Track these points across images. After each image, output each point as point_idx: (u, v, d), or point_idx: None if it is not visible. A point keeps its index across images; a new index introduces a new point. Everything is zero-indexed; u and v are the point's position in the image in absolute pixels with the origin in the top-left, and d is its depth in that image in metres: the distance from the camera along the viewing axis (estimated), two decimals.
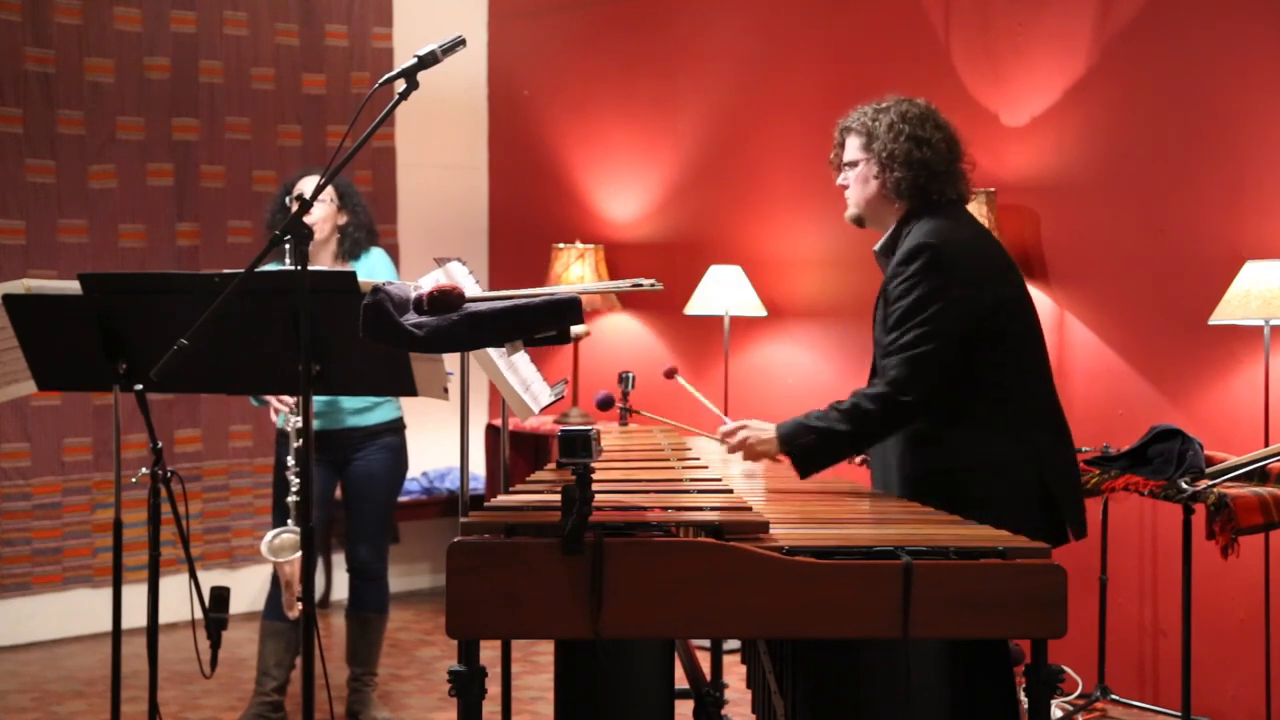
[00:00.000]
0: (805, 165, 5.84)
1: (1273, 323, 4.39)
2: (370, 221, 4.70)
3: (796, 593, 2.30)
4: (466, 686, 2.41)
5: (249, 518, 6.41)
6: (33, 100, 5.91)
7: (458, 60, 2.93)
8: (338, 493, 4.78)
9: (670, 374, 3.85)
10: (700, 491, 2.87)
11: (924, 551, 2.33)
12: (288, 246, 2.93)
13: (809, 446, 3.09)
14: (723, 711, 3.50)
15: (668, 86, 6.48)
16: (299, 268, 2.78)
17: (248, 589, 6.17)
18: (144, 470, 3.28)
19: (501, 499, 2.73)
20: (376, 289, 2.61)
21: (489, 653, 2.80)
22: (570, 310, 2.57)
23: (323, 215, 4.53)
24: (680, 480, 3.06)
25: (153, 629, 3.30)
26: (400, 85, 2.74)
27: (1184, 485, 4.05)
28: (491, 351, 3.26)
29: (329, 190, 4.55)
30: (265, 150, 6.48)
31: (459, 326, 2.55)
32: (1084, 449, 4.54)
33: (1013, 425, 3.15)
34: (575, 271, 6.43)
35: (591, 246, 6.50)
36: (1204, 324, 4.59)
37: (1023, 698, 2.52)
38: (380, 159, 6.80)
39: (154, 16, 6.17)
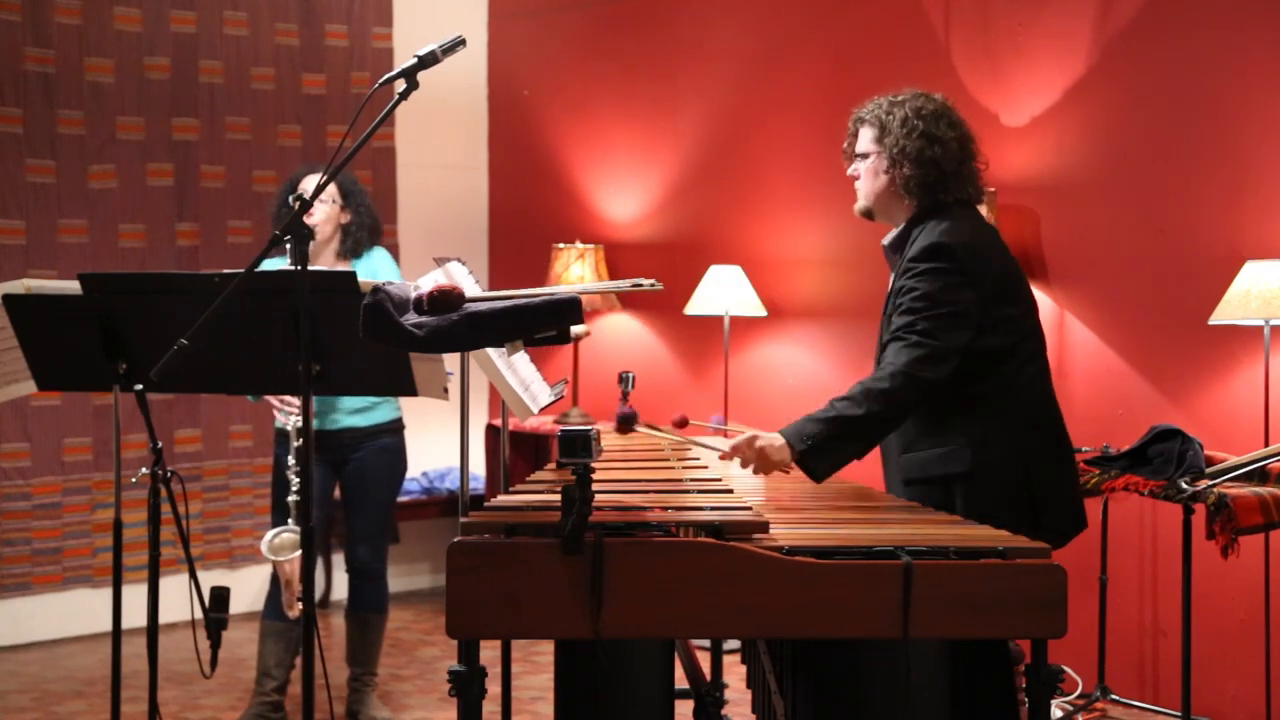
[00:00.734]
0: (805, 165, 5.85)
1: (1273, 323, 4.39)
2: (374, 221, 4.71)
3: (796, 593, 2.30)
4: (466, 686, 2.41)
5: (249, 518, 6.40)
6: (33, 100, 5.91)
7: (458, 60, 2.93)
8: (337, 493, 4.78)
9: (682, 424, 3.71)
10: (700, 491, 2.87)
11: (924, 551, 2.33)
12: (288, 245, 2.92)
13: (824, 440, 2.95)
14: (723, 711, 3.50)
15: (668, 86, 6.48)
16: (299, 268, 2.78)
17: (248, 589, 6.17)
18: (144, 470, 3.27)
19: (501, 499, 2.73)
20: (376, 289, 2.61)
21: (489, 653, 2.80)
22: (570, 310, 2.57)
23: (325, 215, 4.54)
24: (680, 480, 3.06)
25: (153, 629, 3.30)
26: (400, 85, 2.74)
27: (1184, 485, 4.05)
28: (491, 351, 3.26)
29: (332, 190, 4.56)
30: (265, 150, 6.48)
31: (459, 326, 2.55)
32: (1084, 449, 4.55)
33: (1006, 433, 3.14)
34: (575, 271, 6.42)
35: (591, 246, 6.50)
36: (1204, 324, 4.59)
37: (1023, 698, 2.52)
38: (380, 159, 6.80)
39: (154, 16, 6.17)
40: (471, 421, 3.50)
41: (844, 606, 2.30)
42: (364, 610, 4.74)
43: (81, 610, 6.00)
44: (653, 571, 2.30)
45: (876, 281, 3.31)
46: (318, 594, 6.32)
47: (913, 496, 3.14)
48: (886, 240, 3.34)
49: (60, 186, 5.99)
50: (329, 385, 3.47)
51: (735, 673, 4.41)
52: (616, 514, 2.47)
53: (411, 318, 2.58)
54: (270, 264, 3.99)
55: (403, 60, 2.77)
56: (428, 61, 2.75)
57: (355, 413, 4.60)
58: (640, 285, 2.72)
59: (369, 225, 4.66)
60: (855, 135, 3.38)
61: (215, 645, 3.24)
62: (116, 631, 3.41)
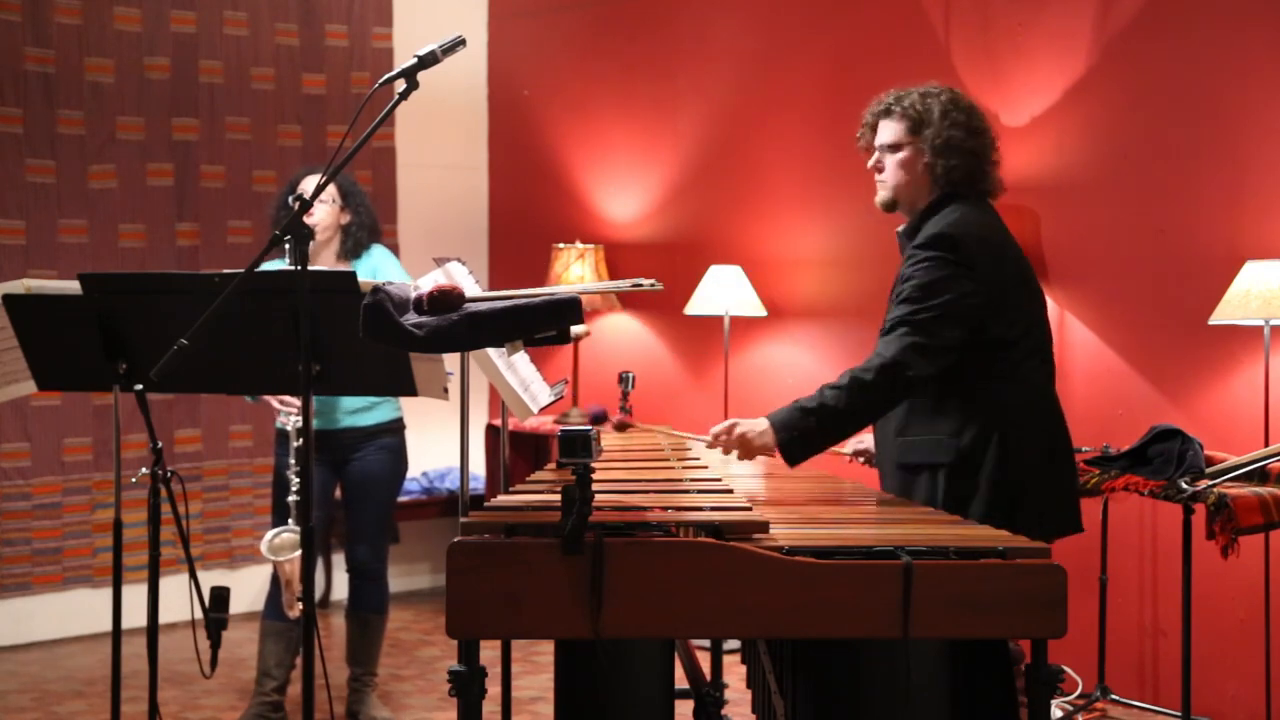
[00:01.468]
0: (805, 165, 5.84)
1: (1273, 323, 4.39)
2: (373, 221, 4.71)
3: (796, 593, 2.30)
4: (466, 686, 2.41)
5: (249, 518, 6.40)
6: (33, 100, 5.91)
7: (458, 60, 2.93)
8: (337, 493, 4.78)
9: (621, 427, 3.73)
10: (700, 491, 2.87)
11: (924, 551, 2.33)
12: (288, 246, 2.92)
13: (807, 429, 3.01)
14: (723, 711, 3.50)
15: (668, 87, 6.48)
16: (299, 268, 2.78)
17: (248, 589, 6.17)
18: (144, 470, 3.27)
19: (501, 499, 2.73)
20: (376, 289, 2.61)
21: (489, 653, 2.80)
22: (570, 310, 2.57)
23: (325, 215, 4.54)
24: (680, 480, 3.06)
25: (153, 629, 3.30)
26: (400, 85, 2.74)
27: (1184, 485, 4.05)
28: (491, 351, 3.26)
29: (332, 190, 4.56)
30: (265, 150, 6.48)
31: (459, 326, 2.55)
32: (1084, 449, 4.55)
33: (994, 426, 3.15)
34: (575, 271, 6.42)
35: (591, 246, 6.50)
36: (1204, 324, 4.59)
37: (1023, 698, 2.52)
38: (380, 159, 6.80)
39: (154, 16, 6.17)
40: (471, 421, 3.50)
41: (844, 606, 2.30)
42: (364, 610, 4.75)
43: (81, 610, 6.00)
44: (653, 571, 2.30)
45: (876, 281, 3.32)
46: (318, 594, 6.32)
47: (903, 480, 3.17)
48: (902, 229, 3.34)
49: (60, 186, 5.99)
50: (329, 385, 3.47)
51: (735, 673, 4.41)
52: (616, 514, 2.47)
53: (411, 318, 2.57)
54: (270, 265, 3.99)
55: (403, 60, 2.77)
56: (428, 61, 2.75)
57: (355, 413, 4.60)
58: (640, 285, 2.72)
59: (369, 225, 4.67)
60: (873, 128, 3.36)
61: (215, 645, 3.24)
62: (116, 631, 3.41)
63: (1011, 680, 2.97)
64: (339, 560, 6.40)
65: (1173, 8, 4.86)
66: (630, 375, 3.98)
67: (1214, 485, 3.99)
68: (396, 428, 4.72)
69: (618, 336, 6.65)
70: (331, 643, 5.78)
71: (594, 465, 2.29)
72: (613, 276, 6.53)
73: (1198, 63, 4.79)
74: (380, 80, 2.81)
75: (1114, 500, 4.69)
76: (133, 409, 3.27)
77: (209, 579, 4.37)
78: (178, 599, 3.56)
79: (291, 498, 4.28)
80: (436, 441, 6.33)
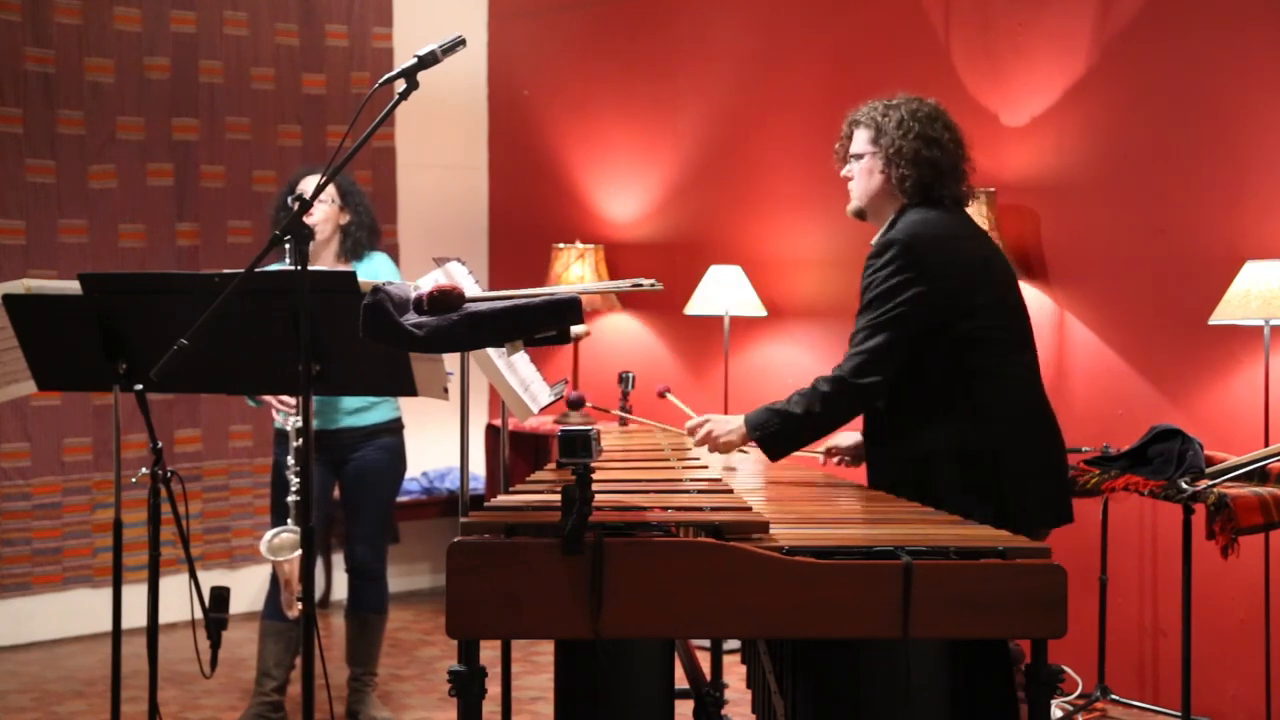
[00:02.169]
0: (805, 165, 5.84)
1: (1273, 323, 4.39)
2: (373, 221, 4.71)
3: (796, 593, 2.29)
4: (466, 686, 2.41)
5: (249, 518, 6.40)
6: (33, 100, 5.91)
7: (458, 60, 2.93)
8: (336, 493, 4.78)
9: (663, 393, 3.92)
10: (700, 491, 2.87)
11: (924, 551, 2.33)
12: (288, 246, 2.92)
13: (773, 431, 3.21)
14: (723, 711, 3.50)
15: (668, 86, 6.48)
16: (299, 268, 2.78)
17: (248, 589, 6.17)
18: (144, 470, 3.27)
19: (501, 499, 2.73)
20: (376, 289, 2.61)
21: (489, 653, 2.80)
22: (570, 310, 2.56)
23: (324, 215, 4.54)
24: (680, 480, 3.06)
25: (153, 629, 3.30)
26: (400, 85, 2.74)
27: (1184, 485, 4.05)
28: (491, 351, 3.26)
29: (331, 190, 4.56)
30: (265, 150, 6.48)
31: (459, 326, 2.55)
32: (1084, 449, 4.55)
33: (974, 420, 3.20)
34: (575, 271, 6.43)
35: (591, 246, 6.50)
36: (1204, 324, 4.59)
37: (1023, 697, 2.52)
38: (380, 159, 6.80)
39: (154, 16, 6.17)
40: (471, 421, 3.50)
41: (844, 606, 2.30)
42: (364, 610, 4.74)
43: (81, 610, 6.00)
44: (653, 571, 2.30)
45: None
46: (318, 594, 6.32)
47: (892, 477, 3.23)
48: (875, 240, 3.37)
49: (60, 186, 5.99)
50: (329, 385, 3.47)
51: (735, 673, 4.41)
52: (616, 514, 2.47)
53: (411, 318, 2.57)
54: (270, 267, 3.99)
55: (403, 60, 2.77)
56: (428, 61, 2.75)
57: (354, 413, 4.60)
58: (640, 285, 2.72)
59: (368, 225, 4.67)
60: (849, 137, 3.44)
61: (215, 645, 3.24)
62: (116, 631, 3.41)
63: (1011, 680, 2.97)
64: (338, 560, 6.40)
65: (1173, 8, 4.86)
66: (630, 375, 3.99)
67: (1214, 485, 3.99)
68: (395, 427, 4.72)
69: (618, 336, 6.65)
70: (331, 643, 5.78)
71: (594, 465, 2.29)
72: (613, 276, 6.53)
73: (1198, 63, 4.79)
74: (380, 80, 2.81)
75: (1114, 500, 4.69)
76: (133, 409, 3.27)
77: (209, 579, 4.37)
78: (178, 599, 3.56)
79: (291, 498, 4.28)
80: (436, 441, 6.33)
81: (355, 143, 2.82)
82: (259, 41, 6.45)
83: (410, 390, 3.43)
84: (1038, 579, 2.30)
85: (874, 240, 3.37)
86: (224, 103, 6.36)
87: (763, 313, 5.94)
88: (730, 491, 2.88)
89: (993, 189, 5.09)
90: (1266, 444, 4.38)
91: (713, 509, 2.59)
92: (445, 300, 2.56)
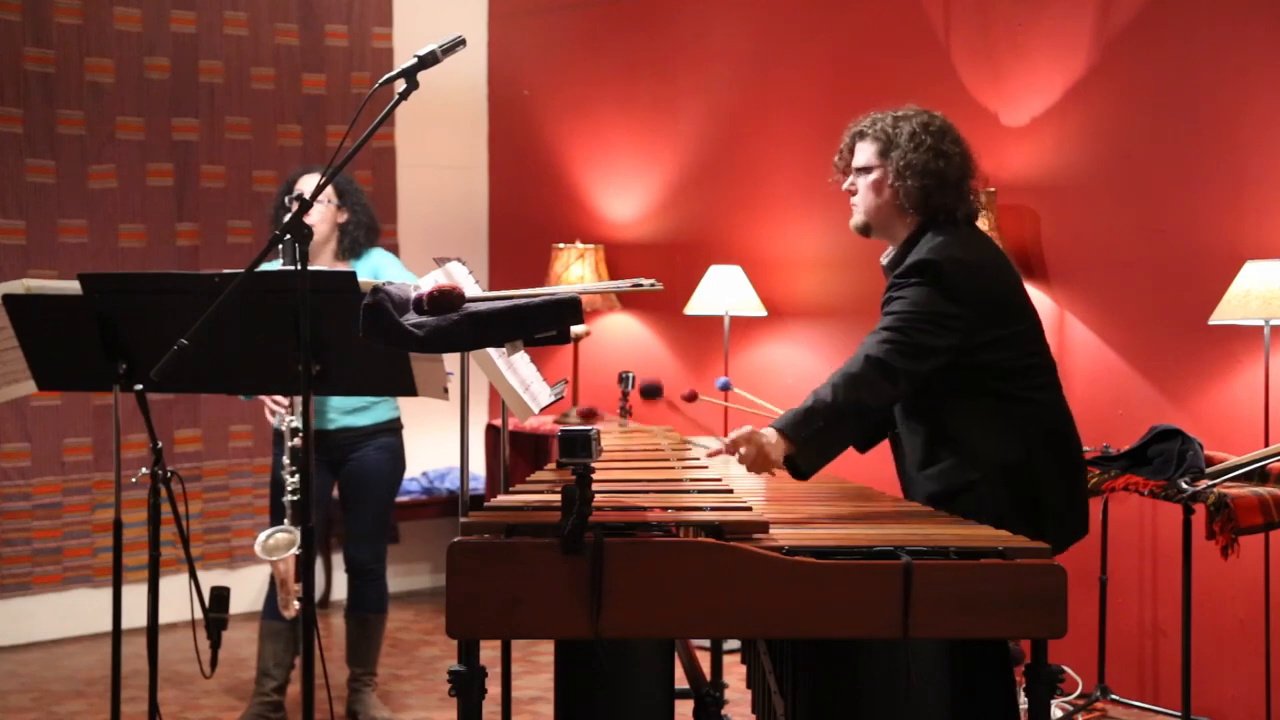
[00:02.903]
0: (805, 165, 5.84)
1: (1273, 323, 4.39)
2: (372, 219, 4.70)
3: (796, 593, 2.29)
4: (466, 686, 2.41)
5: (249, 518, 6.40)
6: (33, 100, 5.91)
7: (458, 60, 2.93)
8: (334, 493, 4.78)
9: (691, 398, 3.72)
10: (700, 491, 2.87)
11: (924, 551, 2.33)
12: (289, 246, 2.92)
13: (815, 431, 2.93)
14: (723, 711, 3.49)
15: (668, 86, 6.48)
16: (299, 268, 2.78)
17: (248, 589, 6.17)
18: (144, 470, 3.27)
19: (501, 499, 2.73)
20: (376, 289, 2.61)
21: (489, 653, 2.80)
22: (570, 310, 2.56)
23: (321, 215, 4.54)
24: (680, 480, 3.06)
25: (153, 629, 3.30)
26: (400, 85, 2.74)
27: (1184, 485, 4.04)
28: (491, 351, 3.26)
29: (328, 189, 4.55)
30: (265, 150, 6.48)
31: (459, 326, 2.55)
32: (1084, 449, 4.54)
33: (1010, 449, 3.12)
34: (575, 271, 6.42)
35: (591, 246, 6.50)
36: (1204, 324, 4.59)
37: (1022, 698, 2.52)
38: (380, 159, 6.80)
39: (154, 16, 6.17)
40: (471, 421, 3.50)
41: (844, 606, 2.30)
42: (363, 610, 4.74)
43: (81, 610, 6.00)
44: (653, 571, 2.30)
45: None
46: (317, 594, 6.32)
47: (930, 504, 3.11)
48: (885, 259, 3.29)
49: (60, 186, 5.99)
50: (329, 385, 3.47)
51: (735, 673, 4.41)
52: (616, 514, 2.47)
53: (411, 318, 2.57)
54: (269, 267, 3.99)
55: (403, 60, 2.77)
56: (428, 61, 2.75)
57: (351, 412, 4.60)
58: (640, 285, 2.72)
59: (366, 224, 4.67)
60: (851, 149, 3.32)
61: (215, 645, 3.24)
62: (116, 631, 3.41)
63: (1011, 680, 2.97)
64: (338, 560, 6.40)
65: (1173, 8, 4.86)
66: (630, 375, 3.99)
67: (1214, 485, 3.99)
68: (394, 427, 4.71)
69: (618, 336, 6.65)
70: (331, 642, 5.78)
71: (594, 465, 2.29)
72: (613, 276, 6.53)
73: (1198, 63, 4.79)
74: (380, 80, 2.81)
75: (1114, 500, 4.69)
76: (133, 409, 3.27)
77: (209, 579, 4.37)
78: (178, 599, 3.56)
79: (287, 498, 4.28)
80: (436, 441, 6.33)
81: (355, 143, 2.82)
82: (259, 41, 6.45)
83: (410, 390, 3.43)
84: (1038, 579, 2.30)
85: (887, 260, 3.27)
86: (224, 103, 6.36)
87: (763, 313, 5.94)
88: (730, 491, 2.87)
89: (993, 189, 5.09)
90: (1266, 444, 4.38)
91: (713, 509, 2.59)
92: (445, 300, 2.56)
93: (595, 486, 2.32)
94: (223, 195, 6.38)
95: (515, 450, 6.64)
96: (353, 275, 3.23)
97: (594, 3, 6.78)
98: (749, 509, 2.59)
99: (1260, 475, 4.07)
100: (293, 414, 4.29)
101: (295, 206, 2.77)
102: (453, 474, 6.83)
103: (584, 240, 6.57)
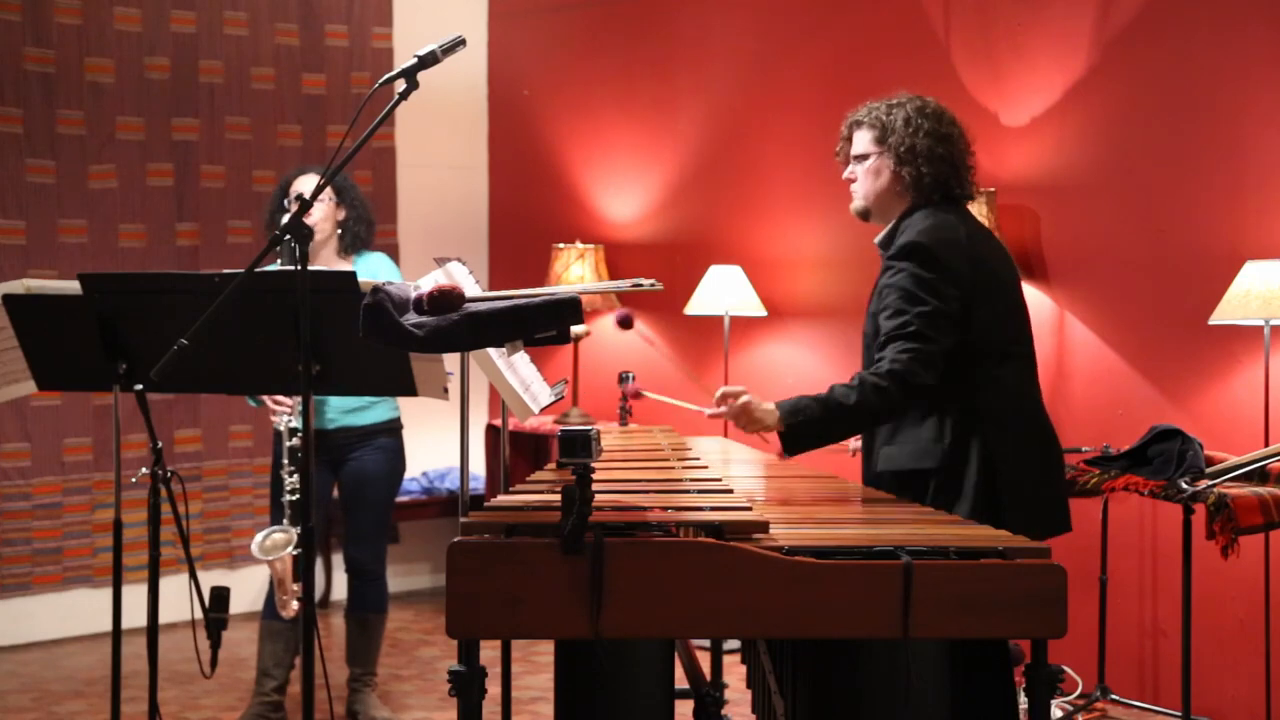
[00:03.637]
0: (806, 165, 5.84)
1: (1273, 323, 4.39)
2: (370, 215, 4.72)
3: (796, 593, 2.29)
4: (466, 686, 2.41)
5: (249, 518, 6.40)
6: (33, 100, 5.91)
7: (458, 60, 2.93)
8: (334, 493, 4.78)
9: (635, 394, 3.75)
10: (700, 491, 2.87)
11: (924, 551, 2.33)
12: (289, 246, 2.93)
13: (814, 418, 3.08)
14: (723, 711, 3.49)
15: (668, 86, 6.48)
16: (299, 268, 2.78)
17: (248, 589, 6.17)
18: (144, 470, 3.27)
19: (501, 499, 2.73)
20: (376, 289, 2.61)
21: (489, 653, 2.80)
22: (570, 310, 2.56)
23: (322, 214, 4.54)
24: (680, 480, 3.06)
25: (153, 629, 3.30)
26: (400, 85, 2.74)
27: (1184, 485, 4.05)
28: (491, 351, 3.26)
29: (327, 188, 4.56)
30: (265, 150, 6.48)
31: (459, 326, 2.55)
32: (1084, 449, 4.56)
33: (975, 432, 3.17)
34: (575, 271, 6.42)
35: (591, 246, 6.50)
36: (1204, 324, 4.59)
37: (1022, 698, 2.52)
38: (380, 159, 6.80)
39: (154, 16, 6.17)
40: (471, 421, 3.50)
41: (844, 606, 2.30)
42: (364, 611, 4.74)
43: (81, 610, 6.00)
44: (653, 571, 2.30)
45: (875, 278, 3.32)
46: (317, 594, 6.32)
47: (885, 489, 3.20)
48: (879, 239, 3.36)
49: (60, 186, 5.99)
50: (329, 385, 3.47)
51: (735, 673, 4.41)
52: (616, 514, 2.47)
53: (411, 318, 2.57)
54: (270, 268, 3.99)
55: (403, 60, 2.77)
56: (428, 61, 2.75)
57: (350, 412, 4.60)
58: (640, 285, 2.72)
59: (366, 220, 4.68)
60: (849, 139, 3.41)
61: (215, 645, 3.24)
62: (116, 631, 3.41)
63: (1011, 680, 2.97)
64: (338, 560, 6.40)
65: (1173, 8, 4.86)
66: (630, 375, 3.98)
67: (1214, 485, 3.99)
68: (394, 427, 4.71)
69: (618, 336, 6.65)
70: (331, 642, 5.79)
71: (594, 465, 2.29)
72: (613, 276, 6.53)
73: (1198, 63, 4.79)
74: (380, 80, 2.81)
75: (1114, 500, 4.69)
76: (133, 409, 3.27)
77: (209, 579, 4.37)
78: (178, 599, 3.56)
79: (286, 498, 4.28)
80: (436, 441, 6.32)
81: (355, 143, 2.82)
82: (259, 41, 6.45)
83: (410, 390, 3.43)
84: (1038, 579, 2.30)
85: (879, 239, 3.34)
86: (224, 103, 6.36)
87: (763, 313, 5.94)
88: (730, 491, 2.87)
89: (993, 189, 5.09)
90: (1266, 444, 4.38)
91: (713, 509, 2.59)
92: (445, 300, 2.56)
93: (595, 486, 2.32)
94: (223, 195, 6.38)
95: (515, 450, 6.64)
96: (353, 275, 3.23)
97: (594, 3, 6.78)
98: (749, 509, 2.59)
99: (1260, 475, 4.08)
100: (293, 414, 4.30)
101: (295, 207, 2.77)
102: (453, 474, 6.83)
103: (584, 240, 6.57)
